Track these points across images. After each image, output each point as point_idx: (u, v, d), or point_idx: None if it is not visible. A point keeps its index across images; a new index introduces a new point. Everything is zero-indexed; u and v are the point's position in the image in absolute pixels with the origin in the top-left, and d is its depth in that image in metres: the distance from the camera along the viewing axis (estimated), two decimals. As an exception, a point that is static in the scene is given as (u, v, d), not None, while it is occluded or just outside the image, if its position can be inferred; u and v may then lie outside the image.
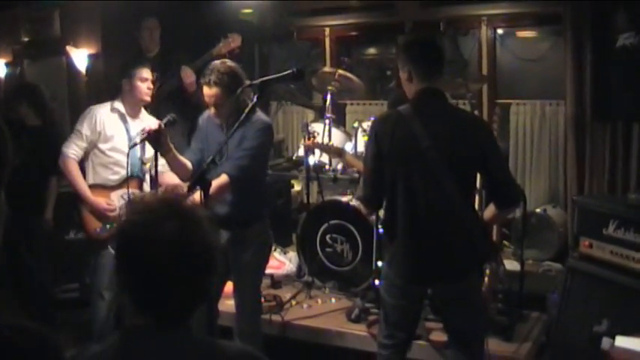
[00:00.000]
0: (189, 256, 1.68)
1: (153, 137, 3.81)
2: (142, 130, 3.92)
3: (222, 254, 3.96)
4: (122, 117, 4.66)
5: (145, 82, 4.64)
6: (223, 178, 3.87)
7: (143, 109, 4.80)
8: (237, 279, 4.24)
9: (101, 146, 4.61)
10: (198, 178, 3.22)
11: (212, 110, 4.01)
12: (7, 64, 7.03)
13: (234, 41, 5.45)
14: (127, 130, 4.64)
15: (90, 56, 6.49)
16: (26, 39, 6.92)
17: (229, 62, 4.02)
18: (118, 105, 4.68)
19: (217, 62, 4.00)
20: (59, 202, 5.31)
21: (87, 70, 6.47)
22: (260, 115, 4.04)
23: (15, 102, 5.36)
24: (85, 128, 4.59)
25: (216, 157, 3.57)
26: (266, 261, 4.38)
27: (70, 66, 6.58)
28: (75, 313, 5.36)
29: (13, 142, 1.51)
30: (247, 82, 3.91)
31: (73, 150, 4.59)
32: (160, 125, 3.83)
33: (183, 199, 1.82)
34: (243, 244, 4.09)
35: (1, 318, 1.25)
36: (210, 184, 3.24)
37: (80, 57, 6.49)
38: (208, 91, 3.93)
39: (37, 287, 5.28)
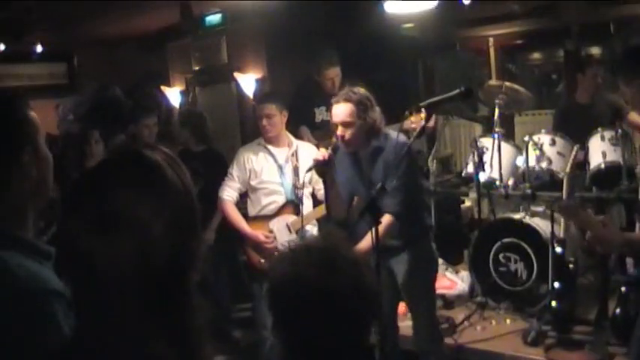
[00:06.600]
0: (334, 305, 1.68)
1: (320, 164, 3.83)
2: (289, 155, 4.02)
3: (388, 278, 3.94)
4: (266, 149, 4.79)
5: (261, 119, 4.74)
6: (388, 219, 3.76)
7: (289, 134, 4.90)
8: (408, 301, 4.21)
9: (253, 182, 4.78)
10: (370, 205, 3.17)
11: (338, 132, 3.86)
12: (181, 93, 7.37)
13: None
14: (275, 160, 4.77)
15: (257, 80, 6.68)
16: (196, 67, 7.23)
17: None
18: (261, 140, 4.84)
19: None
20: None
21: (254, 95, 6.67)
22: (393, 134, 3.88)
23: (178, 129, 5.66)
24: (235, 170, 4.81)
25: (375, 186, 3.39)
26: (434, 278, 4.30)
27: (239, 91, 6.80)
28: (249, 332, 5.49)
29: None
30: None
31: (227, 192, 4.79)
32: (323, 156, 3.82)
33: (341, 246, 1.80)
34: (406, 264, 4.00)
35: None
36: (380, 211, 3.20)
37: (247, 82, 6.70)
38: (336, 107, 3.84)
39: (213, 305, 5.46)
